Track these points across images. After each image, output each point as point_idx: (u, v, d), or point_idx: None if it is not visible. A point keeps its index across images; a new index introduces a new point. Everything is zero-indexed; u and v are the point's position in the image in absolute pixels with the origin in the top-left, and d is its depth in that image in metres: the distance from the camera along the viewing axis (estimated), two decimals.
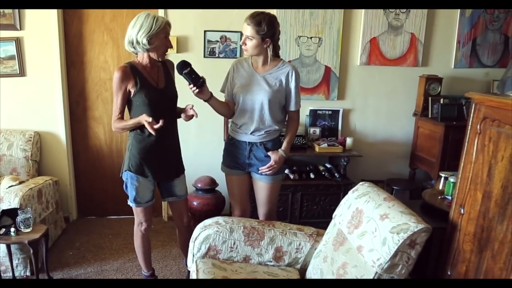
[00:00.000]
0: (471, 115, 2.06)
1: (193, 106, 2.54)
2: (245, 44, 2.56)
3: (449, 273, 2.17)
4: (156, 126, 2.35)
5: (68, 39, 3.88)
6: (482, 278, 1.96)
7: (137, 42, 2.39)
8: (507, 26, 4.28)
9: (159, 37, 2.40)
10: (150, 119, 2.34)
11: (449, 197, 2.70)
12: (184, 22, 3.85)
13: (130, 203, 2.65)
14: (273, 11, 3.62)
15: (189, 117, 2.57)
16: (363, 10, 4.04)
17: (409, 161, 4.43)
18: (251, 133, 2.68)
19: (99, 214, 4.27)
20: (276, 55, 2.66)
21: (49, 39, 3.75)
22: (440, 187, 2.90)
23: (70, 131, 4.05)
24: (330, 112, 4.21)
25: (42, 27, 3.71)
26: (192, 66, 2.45)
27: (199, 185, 3.79)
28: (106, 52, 3.96)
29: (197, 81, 2.45)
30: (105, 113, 4.06)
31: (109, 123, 4.01)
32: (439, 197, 2.76)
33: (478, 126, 2.01)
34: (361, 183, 2.46)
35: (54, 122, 3.91)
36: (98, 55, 3.96)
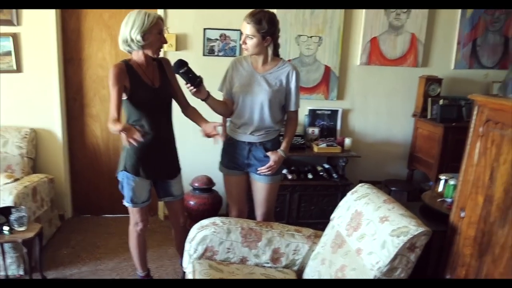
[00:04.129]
0: (473, 117, 2.04)
1: (219, 125, 2.50)
2: (245, 43, 2.54)
3: (448, 276, 2.14)
4: (136, 137, 2.24)
5: (66, 36, 3.85)
6: None
7: (131, 40, 2.36)
8: (508, 28, 4.25)
9: (153, 33, 2.37)
10: (134, 132, 2.24)
11: (449, 200, 2.67)
12: (183, 20, 3.83)
13: (126, 203, 2.63)
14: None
15: (208, 136, 2.53)
16: (364, 10, 4.01)
17: (407, 162, 4.42)
18: (250, 133, 2.67)
19: (95, 212, 4.24)
20: (276, 54, 2.65)
21: (46, 35, 3.71)
22: (440, 189, 2.87)
23: (67, 128, 4.02)
24: (329, 112, 4.20)
25: (39, 23, 3.67)
26: (189, 65, 2.42)
27: (196, 185, 3.78)
28: (104, 49, 3.93)
29: (194, 81, 2.43)
30: (102, 111, 4.03)
31: (106, 121, 3.93)
32: (439, 200, 2.73)
33: (481, 129, 1.98)
34: (360, 184, 2.44)
35: (51, 119, 3.88)
36: (96, 52, 3.93)
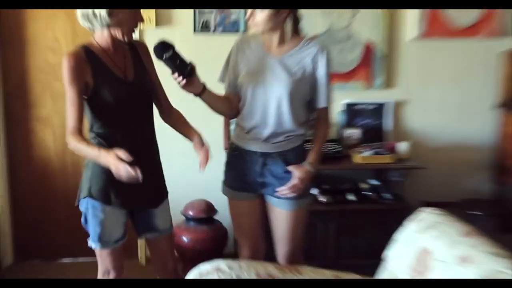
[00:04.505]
0: None
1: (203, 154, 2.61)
2: (253, 18, 2.54)
3: None
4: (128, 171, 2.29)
5: (1, 10, 3.88)
6: None
7: (93, 15, 2.35)
8: None
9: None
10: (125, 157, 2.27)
11: None
12: None
13: (93, 243, 2.61)
14: None
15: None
16: None
17: (493, 173, 4.39)
18: (264, 140, 2.67)
19: (46, 256, 4.25)
20: (296, 30, 2.65)
21: None
22: None
23: (5, 136, 4.05)
24: (373, 107, 4.20)
25: None
26: (176, 49, 2.43)
27: (191, 213, 3.79)
28: (56, 26, 3.97)
29: (184, 69, 2.43)
30: (56, 112, 4.06)
31: (61, 126, 4.03)
32: None
33: None
34: (424, 209, 2.42)
35: None
36: (44, 30, 3.97)
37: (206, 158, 2.61)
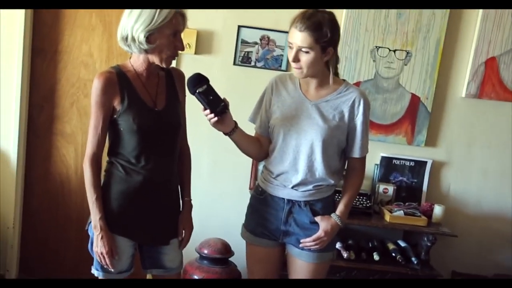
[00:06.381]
0: None
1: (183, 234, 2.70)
2: (298, 61, 2.49)
3: None
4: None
5: (39, 17, 3.91)
6: None
7: (132, 39, 2.34)
8: None
9: (164, 34, 2.35)
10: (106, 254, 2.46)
11: None
12: (210, 11, 3.85)
13: (95, 271, 2.59)
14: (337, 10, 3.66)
15: None
16: (480, 14, 3.96)
17: None
18: (293, 187, 2.63)
19: (54, 275, 4.19)
20: (335, 72, 2.64)
21: (10, 14, 3.77)
22: None
23: (25, 148, 4.05)
24: (412, 164, 4.15)
25: None
26: (210, 84, 2.40)
27: (206, 252, 3.73)
28: (92, 41, 3.98)
29: (217, 106, 2.40)
30: (81, 129, 4.06)
31: (84, 144, 3.95)
32: None
33: None
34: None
35: (3, 133, 3.92)
36: (80, 43, 3.98)
37: (188, 238, 2.70)
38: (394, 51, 3.97)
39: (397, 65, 4.00)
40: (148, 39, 2.33)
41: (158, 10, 2.30)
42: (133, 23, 2.31)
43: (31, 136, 4.05)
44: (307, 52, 2.46)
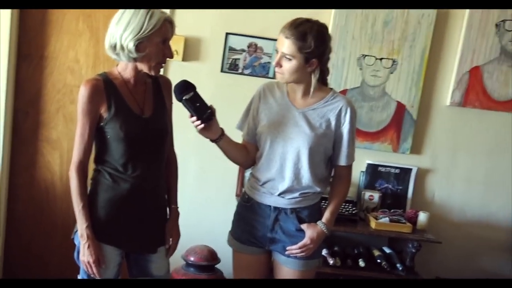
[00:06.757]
0: None
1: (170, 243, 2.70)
2: (280, 66, 2.52)
3: None
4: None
5: (25, 22, 3.90)
6: None
7: (121, 47, 2.34)
8: None
9: (153, 42, 2.35)
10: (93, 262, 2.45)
11: None
12: (197, 18, 3.86)
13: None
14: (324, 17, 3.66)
15: None
16: (464, 24, 4.00)
17: None
18: (279, 195, 2.64)
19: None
20: (323, 82, 2.66)
21: None
22: None
23: (9, 155, 4.02)
24: (397, 171, 4.18)
25: None
26: (197, 90, 2.41)
27: (192, 259, 3.73)
28: (79, 46, 3.97)
29: (203, 113, 2.41)
30: (67, 135, 4.04)
31: (70, 150, 3.97)
32: None
33: None
34: None
35: None
36: (66, 49, 3.97)
37: (175, 246, 2.71)
38: (381, 59, 4.00)
39: (383, 73, 4.02)
40: (138, 47, 2.33)
41: (148, 18, 2.29)
42: (122, 31, 2.31)
43: (16, 142, 4.02)
44: (289, 60, 2.48)
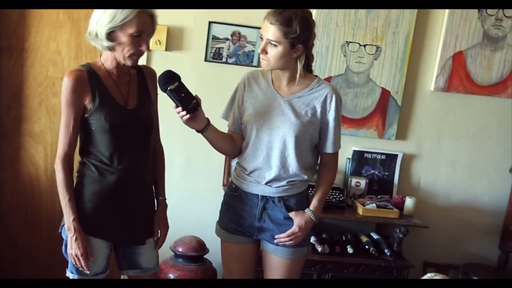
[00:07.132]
0: None
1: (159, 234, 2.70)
2: (266, 53, 2.52)
3: None
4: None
5: (5, 14, 3.86)
6: None
7: (96, 34, 2.34)
8: None
9: (126, 33, 2.33)
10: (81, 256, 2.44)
11: None
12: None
13: (70, 274, 2.57)
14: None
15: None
16: (446, 11, 4.01)
17: (500, 239, 4.35)
18: (266, 183, 2.65)
19: (27, 277, 4.14)
20: (308, 69, 2.67)
21: None
22: None
23: None
24: (383, 157, 4.19)
25: None
26: (182, 80, 2.41)
27: (180, 250, 3.73)
28: (60, 38, 3.94)
29: (188, 103, 2.41)
30: (50, 128, 4.03)
31: (54, 143, 3.94)
32: None
33: None
34: (429, 275, 2.35)
35: None
36: (47, 41, 3.94)
37: (164, 238, 2.71)
38: (364, 46, 4.00)
39: (367, 59, 4.03)
40: (110, 36, 2.32)
41: (121, 9, 2.28)
42: (98, 18, 2.31)
43: None
44: (275, 46, 2.48)
